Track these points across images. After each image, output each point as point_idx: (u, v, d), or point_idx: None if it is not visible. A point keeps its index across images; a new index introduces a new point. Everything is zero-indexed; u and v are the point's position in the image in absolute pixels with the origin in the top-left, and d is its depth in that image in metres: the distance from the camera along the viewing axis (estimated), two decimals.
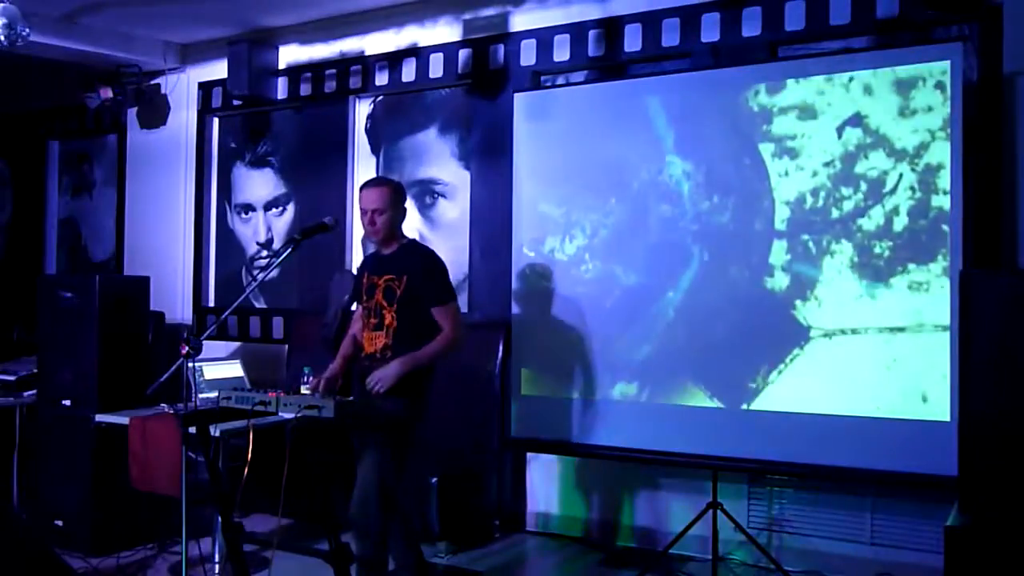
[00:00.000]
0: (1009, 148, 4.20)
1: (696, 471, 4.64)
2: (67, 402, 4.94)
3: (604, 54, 5.10)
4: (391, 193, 3.84)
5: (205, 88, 6.61)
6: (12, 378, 5.37)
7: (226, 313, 3.64)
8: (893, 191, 4.20)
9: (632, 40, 5.01)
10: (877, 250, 4.22)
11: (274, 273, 3.72)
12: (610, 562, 4.78)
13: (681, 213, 4.61)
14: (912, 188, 4.16)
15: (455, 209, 5.69)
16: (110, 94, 6.48)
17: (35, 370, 5.23)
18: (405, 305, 3.75)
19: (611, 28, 5.08)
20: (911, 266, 4.15)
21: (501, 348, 5.13)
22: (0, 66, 6.29)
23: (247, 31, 6.20)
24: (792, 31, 4.62)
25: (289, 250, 3.53)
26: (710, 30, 4.81)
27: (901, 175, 4.18)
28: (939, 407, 4.03)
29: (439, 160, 5.77)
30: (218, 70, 6.39)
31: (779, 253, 4.41)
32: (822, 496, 4.52)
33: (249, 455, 3.19)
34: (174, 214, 6.78)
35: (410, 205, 5.12)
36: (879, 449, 4.12)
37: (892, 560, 4.32)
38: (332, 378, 3.84)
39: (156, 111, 6.83)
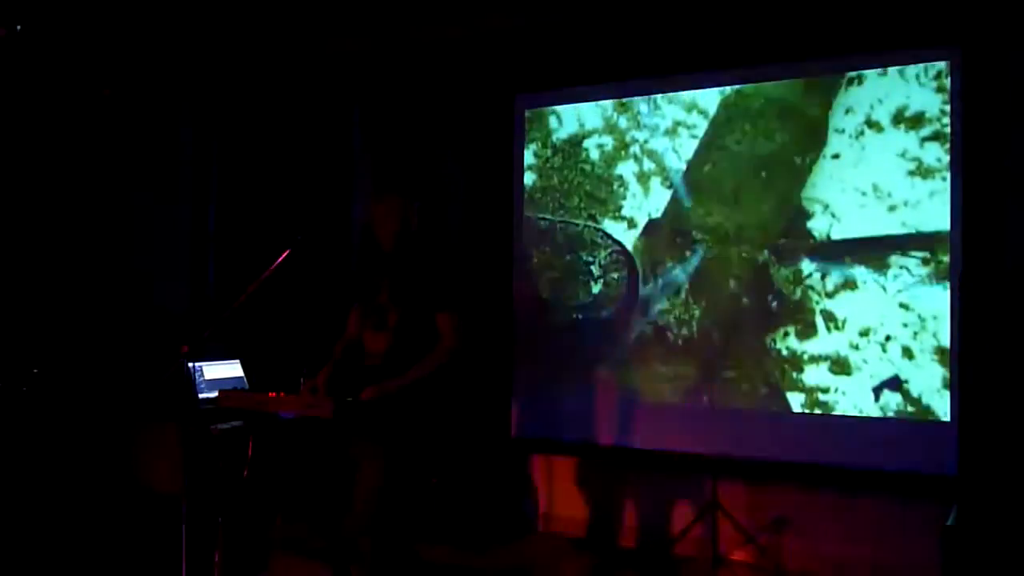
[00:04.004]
0: None
1: (696, 471, 4.64)
2: (66, 401, 4.94)
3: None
4: (401, 205, 3.82)
5: (206, 87, 6.60)
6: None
7: (227, 312, 3.64)
8: None
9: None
10: None
11: (275, 273, 3.70)
12: (610, 562, 4.78)
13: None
14: None
15: (456, 209, 5.68)
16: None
17: (36, 370, 5.23)
18: (410, 306, 3.72)
19: None
20: None
21: (502, 348, 5.13)
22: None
23: (248, 32, 6.20)
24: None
25: (290, 250, 3.52)
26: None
27: None
28: (939, 407, 4.05)
29: (439, 161, 5.76)
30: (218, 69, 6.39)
31: None
32: (822, 496, 4.51)
33: (249, 455, 3.20)
34: (175, 213, 6.77)
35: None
36: (879, 449, 4.12)
37: (892, 560, 4.31)
38: (323, 379, 3.78)
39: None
